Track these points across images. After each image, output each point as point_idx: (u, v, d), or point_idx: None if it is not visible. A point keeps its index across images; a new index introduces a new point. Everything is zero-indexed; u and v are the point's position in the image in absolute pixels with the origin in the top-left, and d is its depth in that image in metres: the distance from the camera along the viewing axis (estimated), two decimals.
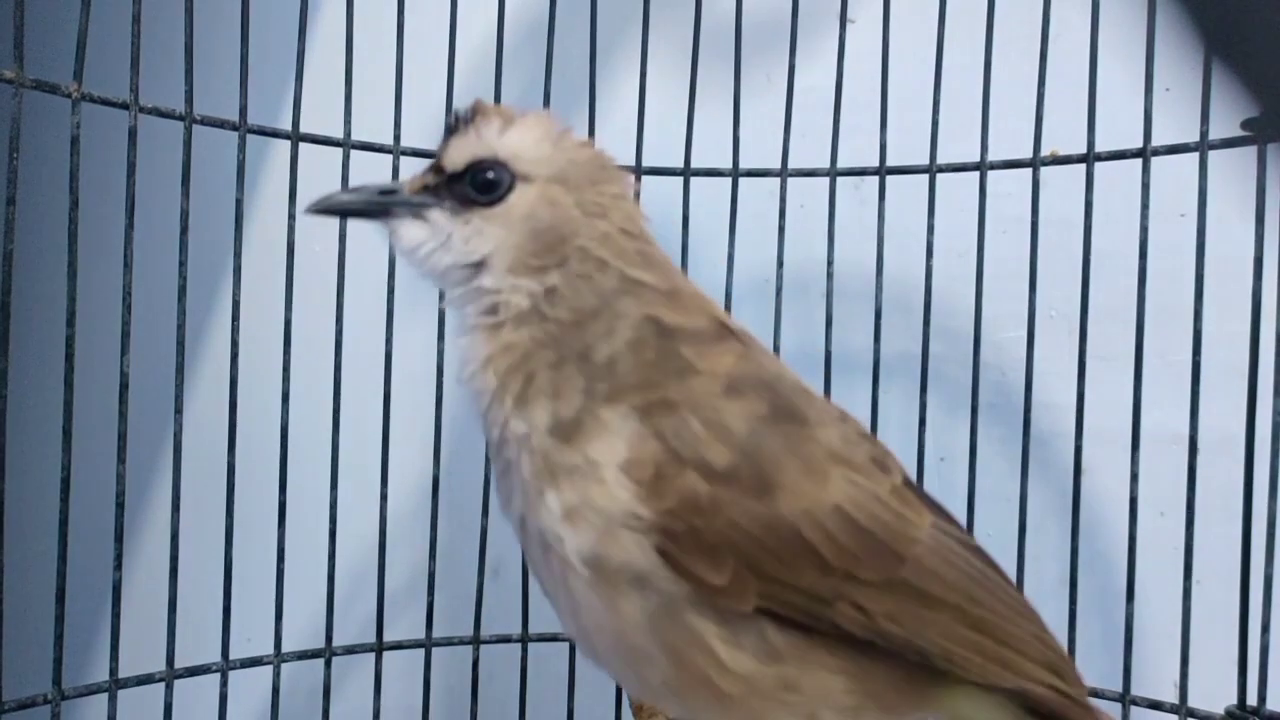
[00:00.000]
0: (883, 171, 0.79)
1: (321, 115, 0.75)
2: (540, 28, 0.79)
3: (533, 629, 0.79)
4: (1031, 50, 0.73)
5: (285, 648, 0.73)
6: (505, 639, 0.79)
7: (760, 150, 0.80)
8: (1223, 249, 0.69)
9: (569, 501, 0.47)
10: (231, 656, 0.71)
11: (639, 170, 0.80)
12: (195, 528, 0.72)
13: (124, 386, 0.66)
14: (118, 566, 0.66)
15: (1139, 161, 0.71)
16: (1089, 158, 0.72)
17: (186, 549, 0.69)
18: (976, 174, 0.76)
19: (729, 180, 0.80)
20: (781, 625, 0.48)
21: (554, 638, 0.80)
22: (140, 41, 0.66)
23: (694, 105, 0.80)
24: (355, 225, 0.74)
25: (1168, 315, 0.72)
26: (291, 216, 0.73)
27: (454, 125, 0.52)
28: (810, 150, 0.80)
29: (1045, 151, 0.74)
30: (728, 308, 0.79)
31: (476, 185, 0.50)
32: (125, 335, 0.66)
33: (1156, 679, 0.76)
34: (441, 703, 0.79)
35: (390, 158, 0.76)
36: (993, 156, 0.76)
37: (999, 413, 0.85)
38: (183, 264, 0.69)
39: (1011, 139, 0.75)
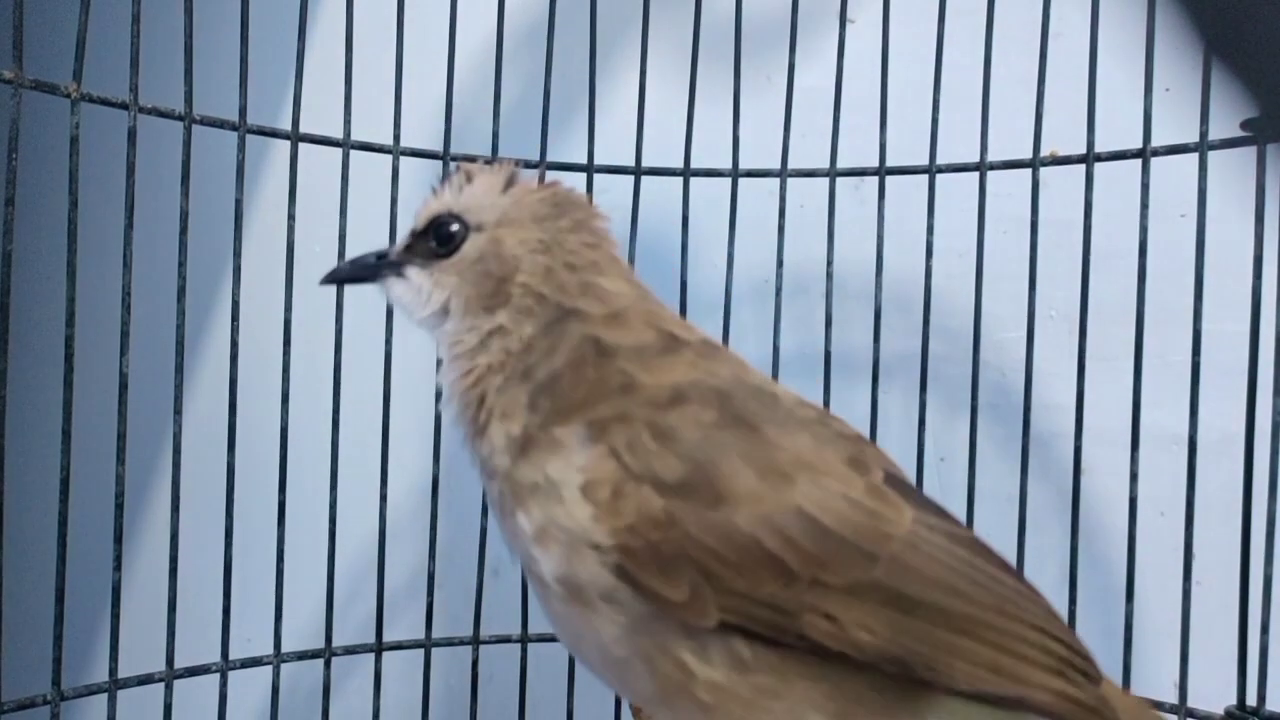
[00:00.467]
0: (882, 172, 0.79)
1: (321, 115, 0.75)
2: (540, 28, 0.79)
3: (533, 629, 0.79)
4: (1031, 50, 0.73)
5: (285, 648, 0.73)
6: (505, 639, 0.79)
7: (760, 150, 0.80)
8: (1223, 249, 0.69)
9: (537, 521, 0.48)
10: (231, 656, 0.71)
11: (639, 170, 0.80)
12: (195, 528, 0.72)
13: (124, 386, 0.66)
14: (117, 567, 0.66)
15: (1139, 161, 0.71)
16: (1089, 158, 0.72)
17: (186, 549, 0.69)
18: (976, 174, 0.76)
19: (729, 180, 0.80)
20: (750, 639, 0.47)
21: (554, 638, 0.79)
22: (140, 41, 0.66)
23: (694, 105, 0.80)
24: (355, 225, 0.75)
25: (1167, 315, 0.72)
26: (291, 217, 0.73)
27: (437, 187, 0.57)
28: (810, 150, 0.80)
29: (1045, 151, 0.74)
30: (728, 308, 0.79)
31: (438, 239, 0.55)
32: (125, 335, 0.66)
33: (1156, 679, 0.75)
34: (441, 703, 0.79)
35: (390, 158, 0.76)
36: (993, 156, 0.76)
37: (999, 413, 0.85)
38: (182, 264, 0.69)
39: (1011, 139, 0.75)
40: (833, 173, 0.79)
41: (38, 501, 0.71)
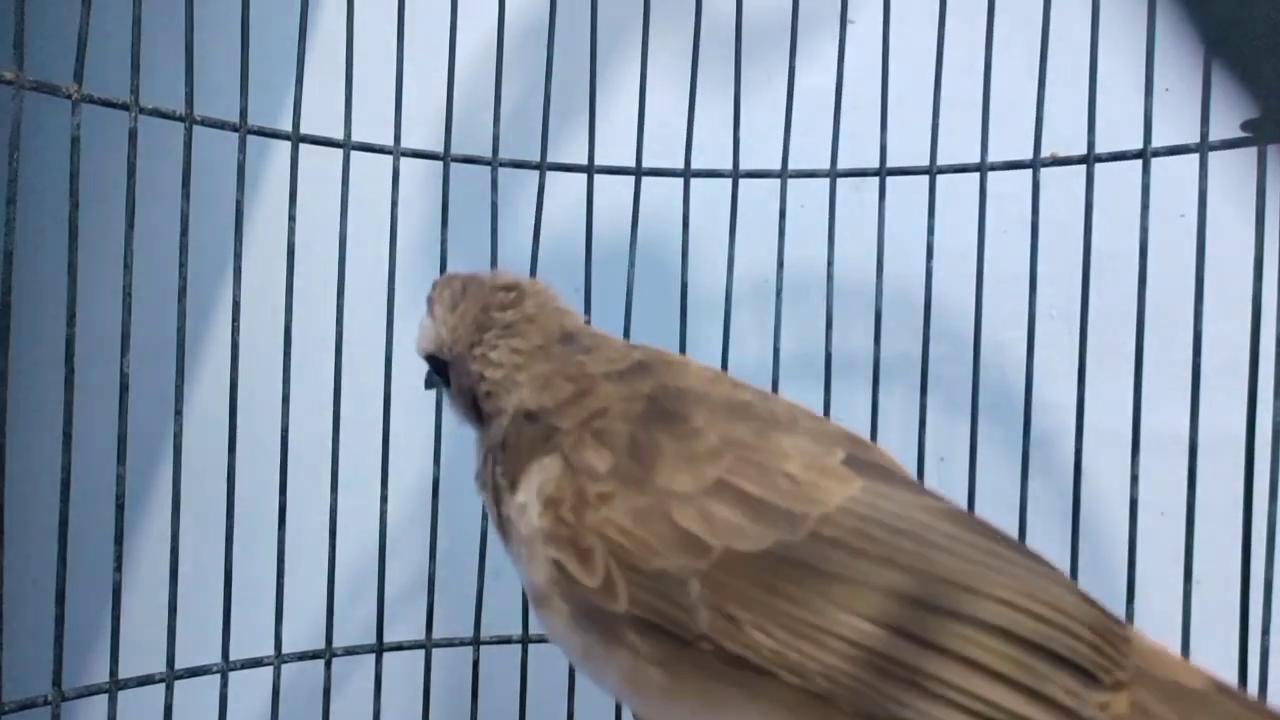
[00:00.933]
0: (883, 172, 0.79)
1: (322, 116, 0.75)
2: (540, 28, 0.79)
3: (533, 630, 0.79)
4: (1031, 50, 0.73)
5: (285, 649, 0.73)
6: (505, 640, 0.79)
7: (760, 151, 0.80)
8: (1223, 249, 0.69)
9: (517, 550, 0.53)
10: (232, 658, 0.71)
11: (639, 171, 0.80)
12: (195, 529, 0.72)
13: (124, 387, 0.66)
14: (118, 567, 0.66)
15: (1139, 162, 0.71)
16: (1089, 159, 0.72)
17: (186, 550, 0.69)
18: (977, 175, 0.76)
19: (729, 181, 0.80)
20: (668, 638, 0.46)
21: None
22: (140, 42, 0.66)
23: (694, 106, 0.80)
24: (356, 226, 0.75)
25: (1168, 316, 0.72)
26: (291, 217, 0.73)
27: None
28: (810, 151, 0.80)
29: (1045, 152, 0.74)
30: (728, 309, 0.79)
31: (437, 373, 0.63)
32: (125, 336, 0.66)
33: None
34: (442, 703, 0.79)
35: (391, 158, 0.76)
36: (993, 157, 0.76)
37: (999, 413, 0.85)
38: (183, 265, 0.69)
39: (1011, 140, 0.75)
40: (833, 173, 0.79)
41: (38, 501, 0.71)
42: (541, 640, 0.79)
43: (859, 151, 0.79)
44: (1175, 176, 0.70)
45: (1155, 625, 0.73)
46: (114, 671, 0.67)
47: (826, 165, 0.79)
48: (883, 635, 0.42)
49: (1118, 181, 0.74)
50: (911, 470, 0.76)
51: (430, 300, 0.63)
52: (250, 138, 0.72)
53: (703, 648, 0.45)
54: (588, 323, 0.62)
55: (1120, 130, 0.71)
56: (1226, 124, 0.66)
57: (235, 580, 0.71)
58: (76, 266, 0.64)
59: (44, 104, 0.65)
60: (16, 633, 0.61)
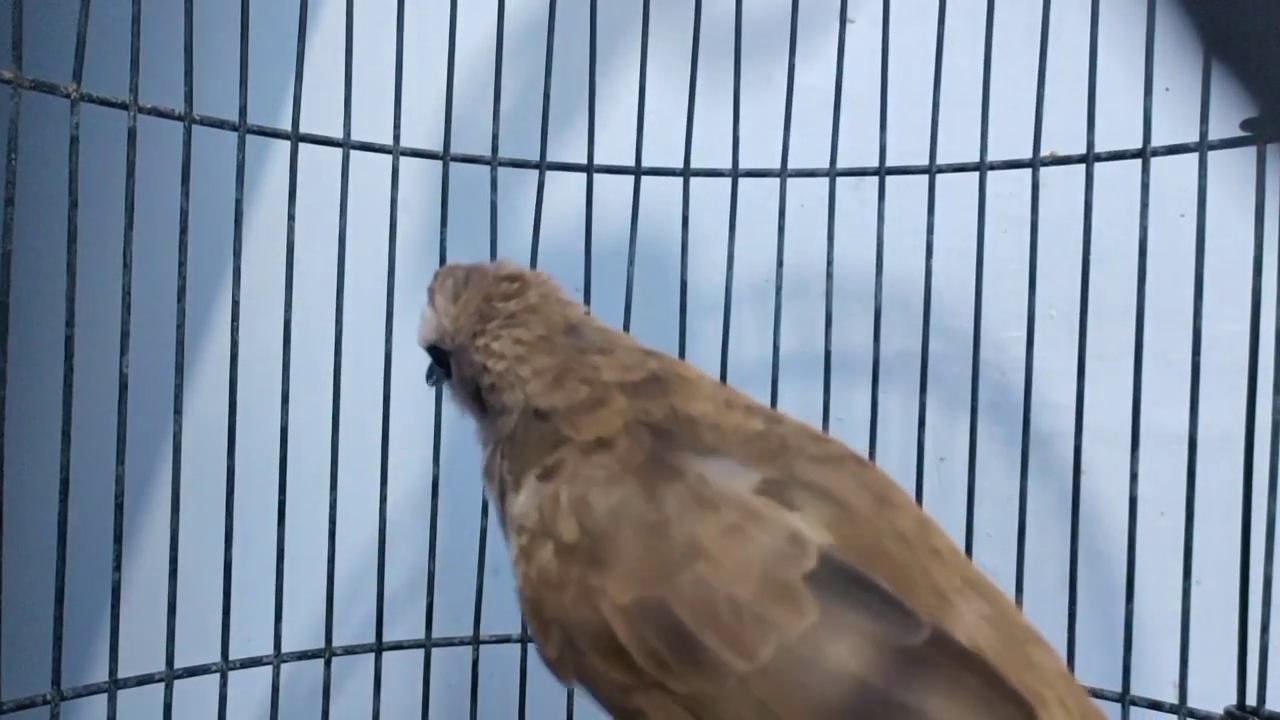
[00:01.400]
0: (882, 171, 0.79)
1: (321, 115, 0.75)
2: (540, 28, 0.79)
3: None
4: (1031, 50, 0.73)
5: (285, 648, 0.73)
6: (505, 639, 0.79)
7: (760, 150, 0.80)
8: (1223, 249, 0.69)
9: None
10: (231, 657, 0.71)
11: (639, 170, 0.80)
12: (195, 528, 0.72)
13: (123, 387, 0.66)
14: (117, 567, 0.66)
15: (1139, 161, 0.71)
16: (1089, 158, 0.72)
17: (186, 549, 0.69)
18: (976, 174, 0.76)
19: (729, 180, 0.80)
20: None
21: None
22: (140, 41, 0.66)
23: (694, 105, 0.80)
24: (355, 226, 0.75)
25: (1167, 315, 0.72)
26: (291, 217, 0.73)
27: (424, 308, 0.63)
28: (810, 150, 0.80)
29: (1045, 152, 0.74)
30: (727, 308, 0.79)
31: (439, 363, 0.63)
32: (125, 335, 0.66)
33: (1156, 679, 0.76)
34: (441, 703, 0.79)
35: (390, 158, 0.76)
36: (992, 156, 0.76)
37: (999, 413, 0.85)
38: (182, 264, 0.69)
39: (1011, 139, 0.75)
40: (833, 173, 0.79)
41: (38, 501, 0.71)
42: None
43: (858, 151, 0.79)
44: (1175, 176, 0.70)
45: (1155, 624, 0.73)
46: (113, 671, 0.67)
47: (826, 164, 0.79)
48: None
49: (1117, 181, 0.74)
50: (911, 470, 0.76)
51: (431, 290, 0.62)
52: (250, 137, 0.71)
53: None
54: (588, 314, 0.61)
55: (1120, 129, 0.71)
56: (1226, 123, 0.66)
57: (234, 579, 0.71)
58: (76, 266, 0.64)
59: (43, 103, 0.65)
60: (16, 632, 0.61)
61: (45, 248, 0.85)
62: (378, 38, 0.76)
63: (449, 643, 0.78)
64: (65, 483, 0.63)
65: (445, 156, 0.77)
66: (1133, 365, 0.70)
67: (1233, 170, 0.68)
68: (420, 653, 0.77)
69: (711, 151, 0.80)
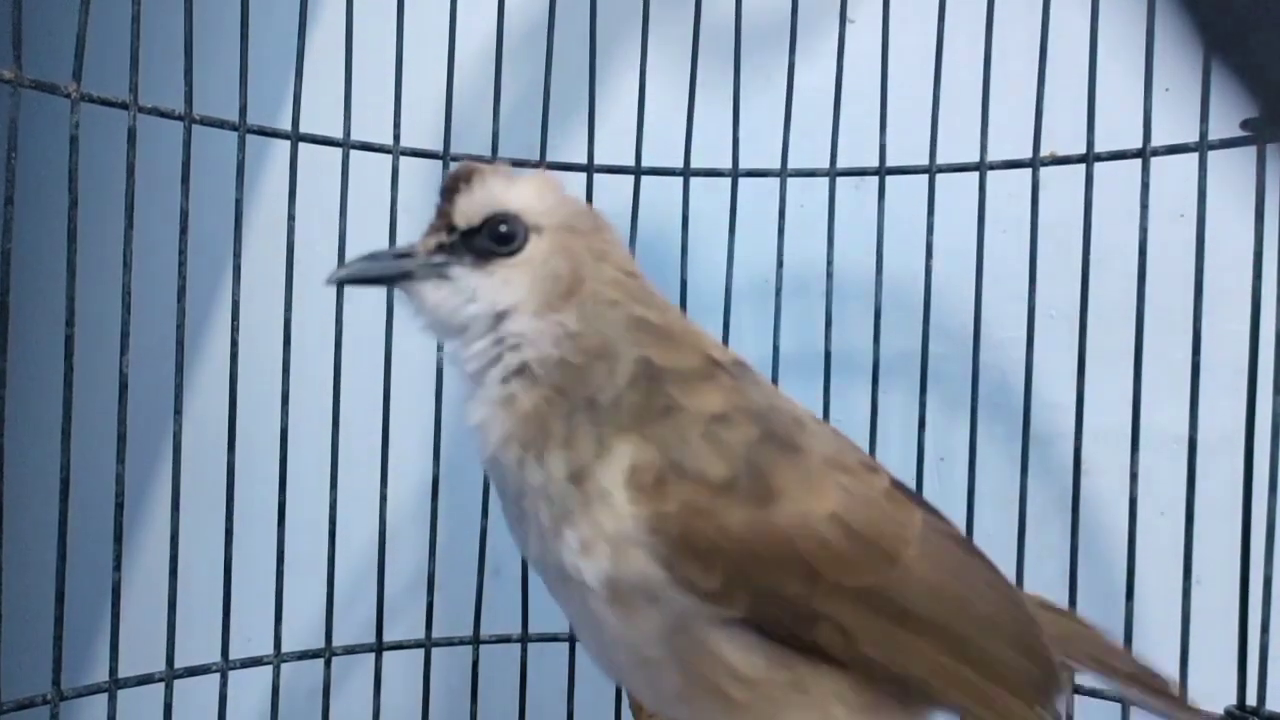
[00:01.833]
0: (882, 171, 0.79)
1: (321, 115, 0.75)
2: (540, 28, 0.79)
3: (533, 629, 0.79)
4: (1031, 50, 0.73)
5: (285, 648, 0.73)
6: (505, 639, 0.79)
7: (760, 150, 0.80)
8: (1223, 249, 0.69)
9: (585, 536, 0.49)
10: (231, 656, 0.71)
11: (639, 170, 0.80)
12: (195, 528, 0.72)
13: (124, 386, 0.66)
14: (117, 567, 0.66)
15: (1139, 161, 0.71)
16: (1089, 158, 0.72)
17: (186, 549, 0.69)
18: (976, 174, 0.76)
19: (729, 180, 0.80)
20: (774, 638, 0.49)
21: (554, 638, 0.80)
22: (140, 41, 0.66)
23: (694, 105, 0.80)
24: (355, 225, 0.75)
25: (1167, 315, 0.72)
26: (291, 217, 0.73)
27: (454, 185, 0.53)
28: (810, 150, 0.80)
29: (1045, 152, 0.74)
30: (727, 308, 0.79)
31: (495, 238, 0.52)
32: (125, 335, 0.66)
33: None
34: (441, 703, 0.79)
35: (390, 158, 0.76)
36: (992, 157, 0.76)
37: (999, 413, 0.85)
38: (182, 264, 0.69)
39: (1011, 139, 0.75)
40: (833, 173, 0.79)
41: (38, 501, 0.71)
42: (541, 639, 0.79)
43: (858, 151, 0.79)
44: (1175, 176, 0.70)
45: (1155, 624, 0.73)
46: (113, 671, 0.67)
47: (826, 164, 0.79)
48: (951, 659, 0.50)
49: (1117, 181, 0.74)
50: (911, 470, 0.76)
51: (480, 169, 0.53)
52: (249, 137, 0.72)
53: (806, 653, 0.49)
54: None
55: (1120, 130, 0.71)
56: (1226, 123, 0.66)
57: (234, 579, 0.71)
58: (76, 266, 0.64)
59: (43, 103, 0.65)
60: (16, 632, 0.61)
61: (45, 247, 0.85)
62: (378, 38, 0.76)
63: (449, 643, 0.78)
64: (65, 482, 0.63)
65: (445, 156, 0.77)
66: (1133, 365, 0.70)
67: (1233, 170, 0.68)
68: (420, 653, 0.77)
69: (711, 151, 0.80)
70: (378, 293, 0.76)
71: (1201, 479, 0.68)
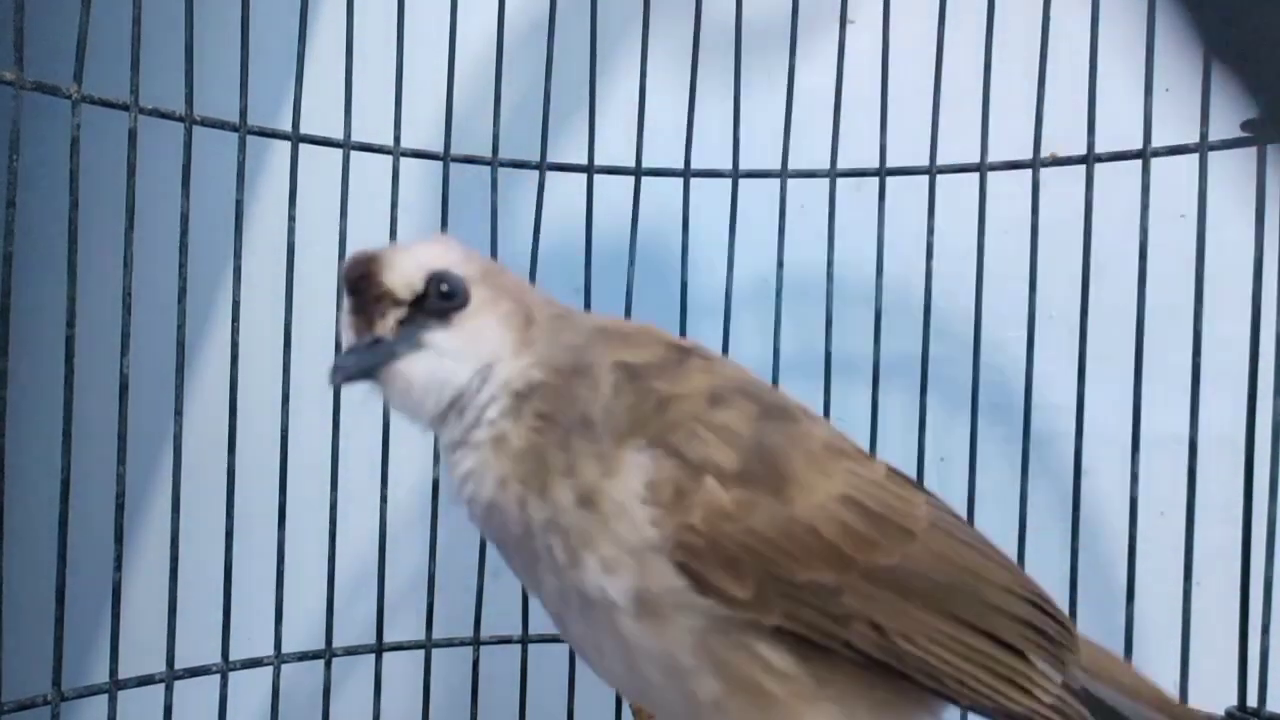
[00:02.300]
0: (883, 172, 0.79)
1: (321, 116, 0.75)
2: (540, 28, 0.79)
3: (533, 629, 0.79)
4: (1031, 50, 0.73)
5: (285, 649, 0.73)
6: (505, 640, 0.79)
7: (760, 151, 0.80)
8: (1223, 250, 0.69)
9: (606, 555, 0.48)
10: (232, 657, 0.71)
11: (639, 171, 0.80)
12: (195, 529, 0.72)
13: (124, 387, 0.66)
14: (117, 567, 0.66)
15: (1139, 163, 0.71)
16: (1089, 159, 0.72)
17: (186, 550, 0.69)
18: (976, 175, 0.76)
19: (729, 181, 0.80)
20: (806, 641, 0.49)
21: (554, 638, 0.80)
22: (140, 43, 0.66)
23: (694, 106, 0.80)
24: (355, 226, 0.75)
25: (1168, 316, 0.72)
26: (291, 218, 0.73)
27: (369, 269, 0.52)
28: (810, 151, 0.80)
29: (1045, 153, 0.74)
30: (728, 309, 0.79)
31: (442, 296, 0.51)
32: (125, 336, 0.66)
33: (1157, 679, 0.75)
34: (441, 703, 0.79)
35: (390, 158, 0.76)
36: (993, 158, 0.76)
37: (999, 413, 0.85)
38: (183, 265, 0.69)
39: (1011, 140, 0.75)
40: (833, 173, 0.79)
41: (38, 501, 0.71)
42: (541, 640, 0.79)
43: (859, 151, 0.79)
44: (1175, 176, 0.70)
45: (1156, 624, 0.73)
46: (114, 671, 0.67)
47: (826, 165, 0.79)
48: (977, 635, 0.50)
49: (1118, 181, 0.74)
50: (912, 470, 0.76)
51: (376, 254, 0.53)
52: (250, 138, 0.72)
53: (844, 655, 0.48)
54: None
55: (1120, 130, 0.71)
56: (1226, 124, 0.66)
57: (235, 580, 0.71)
58: (76, 266, 0.64)
59: (44, 104, 0.65)
60: (16, 633, 0.61)
61: (46, 249, 0.85)
62: (378, 39, 0.76)
63: (449, 643, 0.78)
64: (65, 482, 0.64)
65: (445, 157, 0.77)
66: (1133, 366, 0.70)
67: (1233, 170, 0.68)
68: (421, 654, 0.77)
69: (711, 152, 0.80)
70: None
71: (1201, 480, 0.68)
